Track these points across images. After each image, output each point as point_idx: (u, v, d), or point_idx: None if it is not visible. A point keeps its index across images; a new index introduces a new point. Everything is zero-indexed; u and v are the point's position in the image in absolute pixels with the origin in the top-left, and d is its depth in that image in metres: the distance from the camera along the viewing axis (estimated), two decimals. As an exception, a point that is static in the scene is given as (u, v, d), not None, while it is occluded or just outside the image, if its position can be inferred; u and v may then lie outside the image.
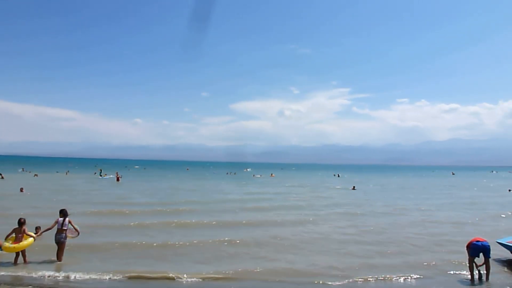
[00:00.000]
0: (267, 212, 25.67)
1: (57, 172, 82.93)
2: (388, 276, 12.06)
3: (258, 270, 12.34)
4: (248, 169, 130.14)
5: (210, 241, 16.30)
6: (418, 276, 12.16)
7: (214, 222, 20.94)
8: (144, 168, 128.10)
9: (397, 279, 11.94)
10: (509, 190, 48.63)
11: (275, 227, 20.14)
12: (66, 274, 11.68)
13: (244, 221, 21.70)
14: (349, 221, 22.61)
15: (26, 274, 11.69)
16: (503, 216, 26.03)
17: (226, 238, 16.64)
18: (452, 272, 12.69)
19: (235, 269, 12.29)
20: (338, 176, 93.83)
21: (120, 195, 35.84)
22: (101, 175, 71.74)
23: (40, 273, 11.69)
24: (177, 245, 15.61)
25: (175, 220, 21.12)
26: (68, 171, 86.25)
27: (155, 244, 15.57)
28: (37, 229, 13.85)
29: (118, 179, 56.68)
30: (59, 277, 11.53)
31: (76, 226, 13.66)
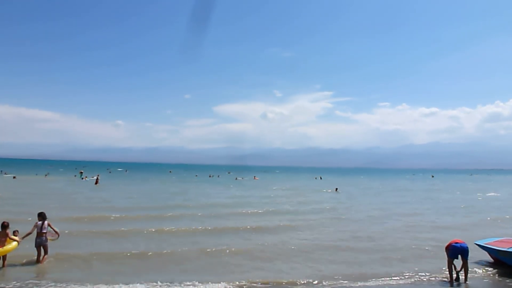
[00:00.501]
0: (253, 217, 25.17)
1: (36, 174, 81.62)
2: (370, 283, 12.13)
3: (246, 280, 11.94)
4: (230, 172, 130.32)
5: (197, 249, 15.73)
6: (397, 279, 12.33)
7: (200, 228, 20.34)
8: (126, 171, 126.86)
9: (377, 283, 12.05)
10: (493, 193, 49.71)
11: (262, 234, 19.69)
12: (47, 283, 11.30)
13: (231, 227, 21.11)
14: (337, 226, 22.32)
15: (3, 282, 11.38)
16: (489, 219, 26.27)
17: (213, 247, 16.07)
18: (431, 274, 12.90)
19: (223, 279, 11.88)
20: (320, 178, 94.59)
21: (102, 199, 35.00)
22: (82, 178, 70.90)
23: (19, 281, 11.33)
24: (162, 254, 14.99)
25: (159, 227, 20.29)
26: (48, 173, 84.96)
27: (139, 253, 14.93)
28: (15, 232, 13.60)
29: (97, 182, 55.87)
30: (39, 286, 11.16)
31: (55, 228, 13.77)
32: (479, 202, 38.96)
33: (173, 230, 19.96)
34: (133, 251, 15.10)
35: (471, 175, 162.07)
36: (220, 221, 23.52)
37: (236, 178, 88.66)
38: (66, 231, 16.55)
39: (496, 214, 28.55)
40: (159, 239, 17.82)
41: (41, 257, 13.32)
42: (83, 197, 36.96)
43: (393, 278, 12.44)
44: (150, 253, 14.97)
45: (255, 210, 28.80)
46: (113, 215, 24.31)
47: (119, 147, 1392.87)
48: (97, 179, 57.82)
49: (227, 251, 15.66)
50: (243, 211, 28.25)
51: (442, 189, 60.62)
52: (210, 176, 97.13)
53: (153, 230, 19.70)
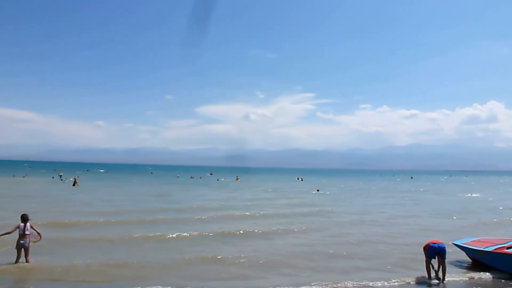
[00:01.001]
0: (239, 222, 24.30)
1: (13, 176, 79.98)
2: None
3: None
4: (212, 173, 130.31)
5: (184, 256, 15.07)
6: (380, 282, 12.43)
7: (185, 235, 19.26)
8: (107, 172, 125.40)
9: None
10: (470, 195, 50.63)
11: (251, 239, 19.00)
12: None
13: (217, 232, 20.11)
14: (321, 230, 21.67)
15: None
16: (479, 221, 25.97)
17: (201, 254, 15.46)
18: (410, 274, 13.19)
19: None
20: (301, 180, 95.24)
21: (81, 202, 34.03)
22: (61, 179, 69.98)
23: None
24: (147, 263, 14.03)
25: (142, 233, 19.14)
26: (26, 175, 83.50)
27: (124, 262, 13.97)
28: (-10, 234, 13.54)
29: (75, 184, 55.06)
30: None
31: (38, 230, 13.79)
32: (463, 203, 38.88)
33: (158, 236, 18.82)
34: (117, 261, 14.22)
35: (451, 176, 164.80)
36: (206, 225, 22.61)
37: (217, 179, 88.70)
38: (45, 238, 14.97)
39: (481, 216, 28.92)
40: (143, 247, 16.86)
41: (20, 259, 13.28)
42: (62, 199, 35.93)
43: (372, 281, 12.47)
44: (135, 262, 14.13)
45: (240, 213, 28.07)
46: (94, 220, 23.29)
47: (100, 148, 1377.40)
48: (74, 180, 57.00)
49: (217, 259, 14.93)
50: (228, 215, 27.40)
51: (424, 191, 61.02)
52: (191, 177, 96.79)
53: (135, 236, 18.61)
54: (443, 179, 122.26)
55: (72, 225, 21.84)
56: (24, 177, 76.71)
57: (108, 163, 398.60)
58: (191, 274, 13.03)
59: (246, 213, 28.33)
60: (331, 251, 16.56)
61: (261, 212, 29.11)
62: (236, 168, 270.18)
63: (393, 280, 12.60)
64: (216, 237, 19.34)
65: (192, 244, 17.54)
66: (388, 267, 14.21)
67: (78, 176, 69.25)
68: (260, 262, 14.64)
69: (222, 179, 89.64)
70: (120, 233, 19.35)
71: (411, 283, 12.58)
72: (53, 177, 77.27)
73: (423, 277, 12.92)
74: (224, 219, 25.41)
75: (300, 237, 19.77)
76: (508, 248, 14.02)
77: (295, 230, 21.64)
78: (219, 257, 15.11)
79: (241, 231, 20.64)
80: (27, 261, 13.29)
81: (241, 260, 14.77)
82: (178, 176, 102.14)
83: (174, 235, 19.10)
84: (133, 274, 12.87)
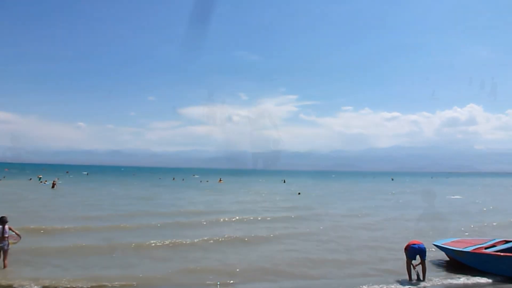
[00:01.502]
0: (225, 226, 23.73)
1: (-10, 178, 78.31)
2: None
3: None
4: (196, 175, 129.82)
5: (174, 267, 14.32)
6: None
7: (170, 241, 18.31)
8: (87, 174, 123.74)
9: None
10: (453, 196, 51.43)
11: (237, 245, 18.44)
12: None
13: (204, 238, 19.29)
14: (309, 236, 21.31)
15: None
16: (471, 226, 25.39)
17: (186, 261, 15.07)
18: (393, 277, 13.30)
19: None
20: (284, 182, 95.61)
21: (62, 206, 33.12)
22: (40, 181, 68.78)
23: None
24: (126, 273, 13.32)
25: (127, 240, 18.28)
26: (4, 177, 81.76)
27: (108, 275, 12.95)
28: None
29: (53, 186, 54.19)
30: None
31: (17, 231, 13.70)
32: (450, 205, 39.13)
33: (142, 243, 17.90)
34: (100, 270, 13.61)
35: (432, 178, 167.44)
36: (190, 231, 21.69)
37: (200, 181, 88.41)
38: (23, 245, 14.38)
39: (470, 218, 29.13)
40: (127, 254, 16.14)
41: (1, 262, 13.24)
42: (41, 203, 34.90)
43: (355, 286, 12.44)
44: (118, 270, 13.57)
45: (225, 218, 27.02)
46: (75, 226, 22.26)
47: (81, 149, 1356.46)
48: (53, 182, 56.12)
49: (200, 265, 14.55)
50: (212, 219, 26.44)
51: (409, 193, 61.39)
52: (173, 179, 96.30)
53: (119, 243, 17.66)
54: (426, 181, 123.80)
55: (52, 231, 20.83)
56: (1, 180, 75.04)
57: (89, 165, 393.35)
58: (176, 283, 12.75)
59: (231, 218, 27.31)
60: (316, 257, 16.45)
61: (246, 217, 28.19)
62: (220, 170, 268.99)
63: (376, 285, 12.62)
64: (200, 243, 18.60)
65: (177, 251, 17.05)
66: (373, 271, 14.26)
67: (57, 178, 68.02)
68: (247, 269, 14.30)
69: (205, 181, 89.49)
70: (103, 240, 18.64)
71: (392, 286, 12.63)
72: (30, 179, 75.93)
73: (404, 279, 13.05)
74: (208, 225, 24.68)
75: (285, 243, 19.37)
76: (486, 248, 14.32)
77: (281, 235, 21.26)
78: (205, 264, 14.76)
79: (226, 237, 19.95)
80: (5, 266, 13.15)
81: (227, 267, 14.39)
82: (160, 178, 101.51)
83: (158, 242, 18.17)
84: (117, 283, 12.33)
